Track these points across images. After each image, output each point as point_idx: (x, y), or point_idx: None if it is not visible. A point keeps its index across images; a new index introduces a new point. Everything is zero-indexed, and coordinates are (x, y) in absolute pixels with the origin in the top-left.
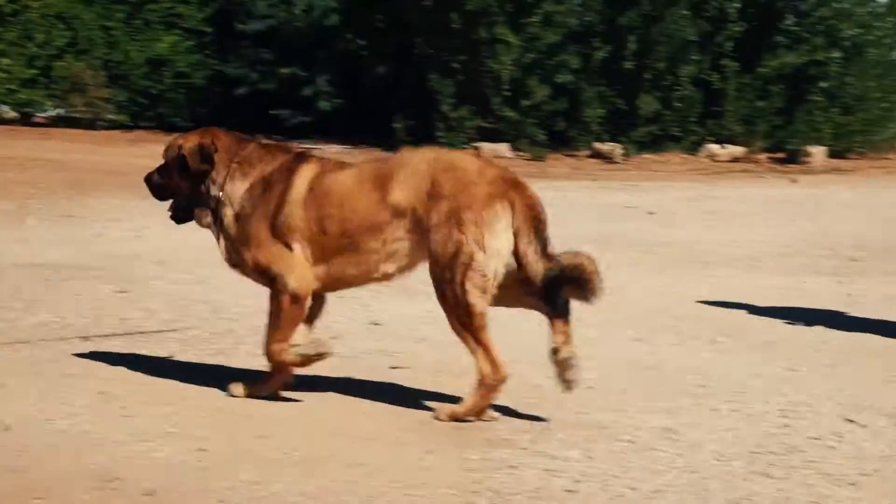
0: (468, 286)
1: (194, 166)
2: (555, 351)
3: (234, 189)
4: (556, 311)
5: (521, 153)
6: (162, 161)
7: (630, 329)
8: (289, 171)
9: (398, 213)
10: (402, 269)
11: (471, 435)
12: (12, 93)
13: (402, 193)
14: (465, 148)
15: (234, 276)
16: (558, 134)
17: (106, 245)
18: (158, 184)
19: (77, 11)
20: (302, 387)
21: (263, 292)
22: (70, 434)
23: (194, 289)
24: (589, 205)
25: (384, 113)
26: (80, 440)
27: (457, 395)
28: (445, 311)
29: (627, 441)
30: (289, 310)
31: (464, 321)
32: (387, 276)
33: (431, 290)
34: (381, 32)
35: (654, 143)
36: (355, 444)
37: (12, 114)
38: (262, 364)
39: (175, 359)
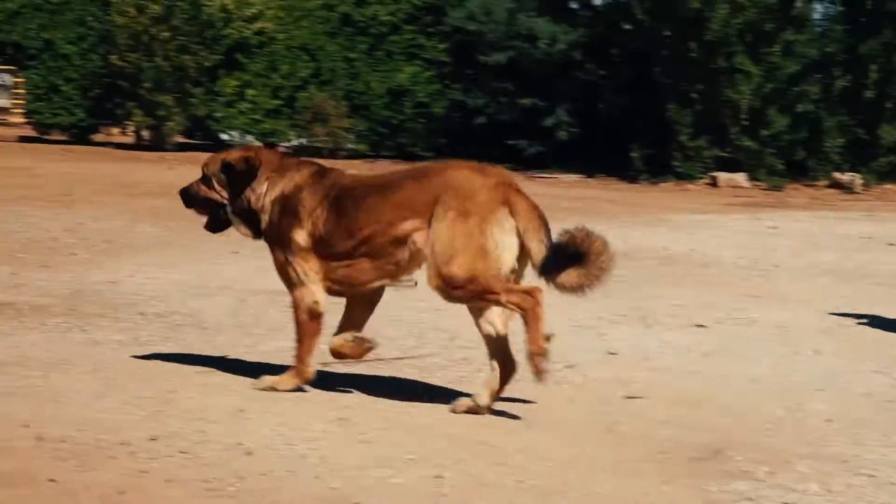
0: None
1: (239, 178)
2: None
3: (268, 199)
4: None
5: (758, 183)
6: (201, 174)
7: (870, 361)
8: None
9: (406, 224)
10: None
11: (708, 466)
12: (257, 123)
13: (411, 204)
14: (700, 178)
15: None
16: (797, 164)
17: None
18: (195, 193)
19: (321, 43)
20: (536, 416)
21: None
22: (310, 459)
23: (432, 316)
24: (827, 236)
25: (621, 143)
26: (319, 465)
27: (693, 425)
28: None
29: (868, 475)
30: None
31: (489, 299)
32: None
33: (669, 319)
34: (619, 62)
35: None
36: (591, 474)
37: (257, 143)
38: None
39: (414, 384)
